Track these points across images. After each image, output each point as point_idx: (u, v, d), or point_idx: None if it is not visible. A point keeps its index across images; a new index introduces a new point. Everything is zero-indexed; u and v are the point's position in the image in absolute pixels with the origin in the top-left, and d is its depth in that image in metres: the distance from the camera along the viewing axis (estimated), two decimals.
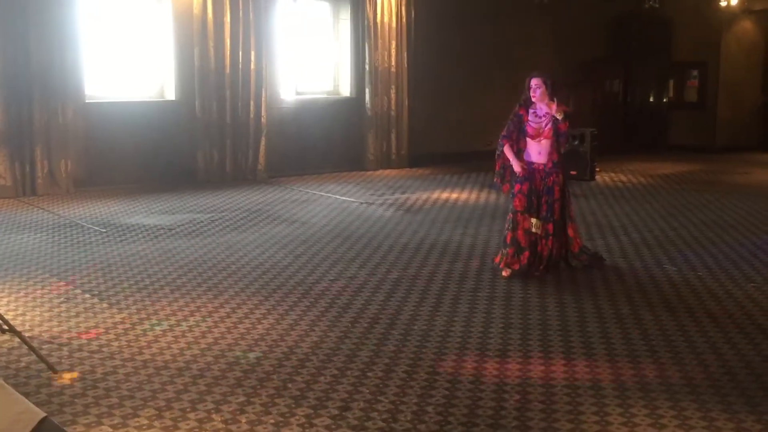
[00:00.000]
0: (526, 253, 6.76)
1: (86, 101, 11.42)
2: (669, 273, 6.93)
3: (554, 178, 6.84)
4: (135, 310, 5.81)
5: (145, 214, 9.68)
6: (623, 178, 13.04)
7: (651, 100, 17.50)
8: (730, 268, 7.06)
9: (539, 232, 6.82)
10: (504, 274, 6.77)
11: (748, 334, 5.29)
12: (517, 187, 6.85)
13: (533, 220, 6.81)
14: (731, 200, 10.73)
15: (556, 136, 6.81)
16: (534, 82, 6.78)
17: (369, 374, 4.60)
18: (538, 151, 6.83)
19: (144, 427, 3.90)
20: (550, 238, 6.86)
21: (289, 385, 4.43)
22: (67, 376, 4.52)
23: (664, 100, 17.48)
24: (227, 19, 12.18)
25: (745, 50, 16.87)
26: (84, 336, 5.21)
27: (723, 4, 15.13)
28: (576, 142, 12.59)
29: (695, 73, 16.99)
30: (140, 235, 8.43)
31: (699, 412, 4.07)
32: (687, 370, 4.64)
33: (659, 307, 5.91)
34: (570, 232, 7.00)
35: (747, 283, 6.57)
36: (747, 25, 16.76)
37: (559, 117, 6.68)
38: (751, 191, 11.57)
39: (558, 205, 6.87)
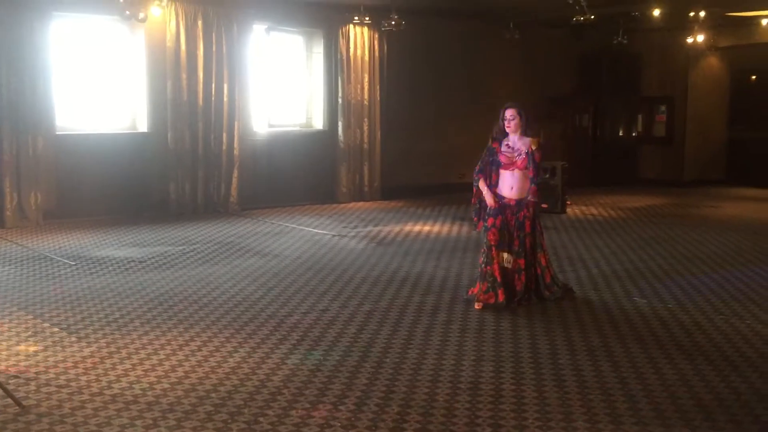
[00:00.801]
0: (502, 289, 6.78)
1: (57, 133, 11.35)
2: (639, 305, 6.98)
3: (525, 212, 6.89)
4: (104, 344, 5.75)
5: (115, 246, 9.60)
6: (593, 211, 13.16)
7: (620, 134, 17.72)
8: (699, 301, 7.13)
9: (511, 266, 6.86)
10: (477, 306, 6.78)
11: (717, 366, 5.33)
12: (490, 221, 6.89)
13: (505, 255, 6.85)
14: (700, 233, 10.86)
15: (533, 165, 6.83)
16: (509, 113, 6.84)
17: (341, 407, 4.57)
18: (510, 185, 6.88)
19: None
20: (523, 272, 6.89)
21: (261, 419, 4.39)
22: None
23: (633, 134, 17.72)
24: (200, 51, 12.21)
25: (711, 86, 17.16)
26: (52, 369, 5.15)
27: (689, 40, 15.41)
28: (547, 176, 12.69)
29: (663, 108, 17.24)
30: (111, 268, 8.36)
31: None
32: (657, 402, 4.67)
33: (629, 339, 5.95)
34: (542, 261, 7.05)
35: (716, 316, 6.64)
36: (713, 62, 17.07)
37: (534, 147, 6.76)
38: (719, 225, 11.72)
39: (529, 239, 6.91)
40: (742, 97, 17.57)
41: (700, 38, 15.33)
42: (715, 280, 8.02)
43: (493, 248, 6.83)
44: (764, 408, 4.59)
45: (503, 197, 6.91)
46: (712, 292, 7.46)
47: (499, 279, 6.79)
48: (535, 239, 6.96)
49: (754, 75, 17.91)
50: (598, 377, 5.09)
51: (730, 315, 6.67)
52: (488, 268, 6.82)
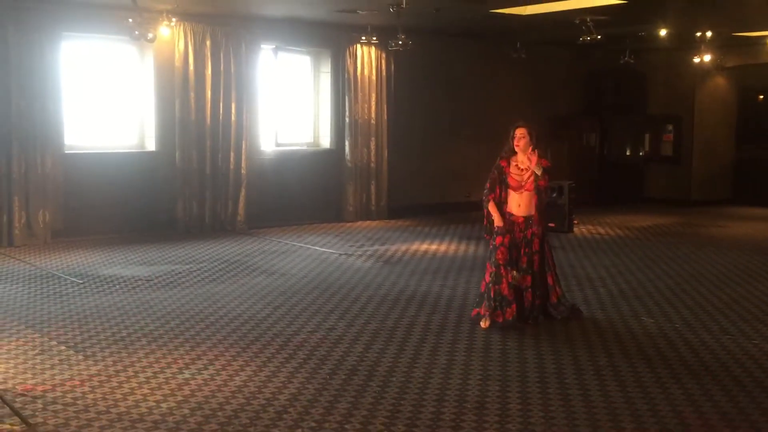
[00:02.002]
0: (513, 306, 6.77)
1: (66, 151, 11.41)
2: (646, 324, 6.96)
3: (533, 230, 6.90)
4: (111, 362, 5.76)
5: (123, 265, 9.63)
6: (600, 230, 13.15)
7: (627, 153, 17.71)
8: (707, 320, 7.11)
9: (518, 284, 6.86)
10: (483, 325, 6.77)
11: (725, 386, 5.31)
12: (498, 239, 6.89)
13: (513, 273, 6.84)
14: (707, 253, 10.84)
15: (537, 190, 6.90)
16: (519, 131, 6.88)
17: (347, 426, 4.57)
18: (518, 203, 6.91)
19: None
20: (529, 290, 6.90)
21: None
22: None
23: (640, 153, 17.71)
24: (208, 71, 12.28)
25: (718, 105, 17.17)
26: (59, 388, 5.16)
27: (696, 60, 15.44)
28: (554, 195, 12.70)
29: (670, 127, 17.24)
30: (118, 287, 8.38)
31: None
32: (664, 422, 4.65)
33: (636, 358, 5.93)
34: (549, 280, 7.05)
35: (723, 335, 6.62)
36: (720, 81, 17.09)
37: (539, 173, 6.78)
38: (726, 244, 11.69)
39: (537, 257, 6.92)
40: (749, 117, 17.56)
41: (707, 58, 15.34)
42: (722, 299, 8.00)
43: (502, 267, 6.83)
44: None
45: (511, 214, 6.92)
46: (720, 312, 7.44)
47: (509, 297, 6.78)
48: (543, 257, 6.96)
49: (761, 95, 17.90)
50: (605, 397, 5.08)
51: (738, 335, 6.64)
52: (496, 287, 6.81)
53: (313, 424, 4.59)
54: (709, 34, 14.00)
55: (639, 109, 17.48)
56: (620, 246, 11.49)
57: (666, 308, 7.58)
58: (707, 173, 17.05)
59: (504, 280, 6.80)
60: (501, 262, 6.84)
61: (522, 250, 6.89)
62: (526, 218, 6.90)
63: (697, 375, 5.55)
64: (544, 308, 7.02)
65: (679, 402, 4.99)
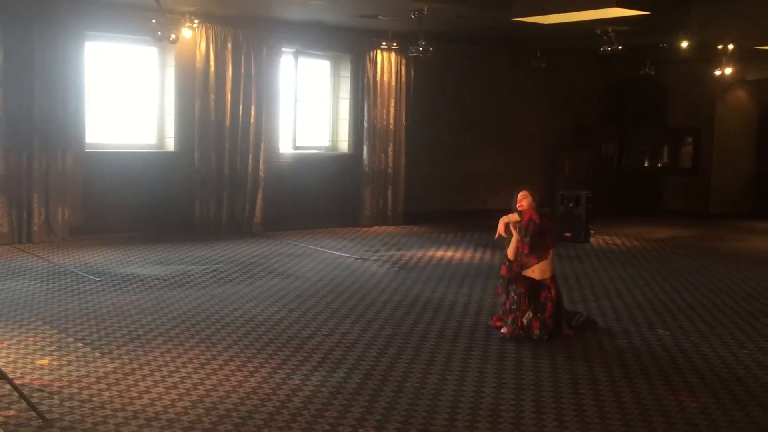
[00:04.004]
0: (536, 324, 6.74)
1: (86, 150, 11.50)
2: (662, 337, 6.94)
3: (546, 293, 6.86)
4: (127, 360, 5.79)
5: (140, 263, 9.68)
6: (617, 241, 13.10)
7: (646, 164, 17.66)
8: (724, 334, 7.08)
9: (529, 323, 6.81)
10: (504, 331, 6.75)
11: (741, 401, 5.29)
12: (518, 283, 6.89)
13: (528, 313, 6.79)
14: (725, 266, 10.78)
15: (539, 242, 6.87)
16: (521, 194, 7.03)
17: (360, 431, 4.58)
18: (533, 270, 6.92)
19: None
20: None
21: None
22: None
23: (659, 165, 17.64)
24: (229, 73, 12.35)
25: (738, 119, 17.08)
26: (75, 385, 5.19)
27: (717, 73, 15.37)
28: (571, 204, 12.68)
29: (690, 139, 17.18)
30: (135, 285, 8.43)
31: None
32: None
33: (652, 371, 5.91)
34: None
35: (740, 350, 6.58)
36: (741, 95, 17.01)
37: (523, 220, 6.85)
38: (745, 258, 11.63)
39: (550, 304, 6.86)
40: None
41: (728, 71, 15.27)
42: (739, 313, 7.95)
43: (524, 296, 6.79)
44: None
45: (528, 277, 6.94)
46: (736, 326, 7.40)
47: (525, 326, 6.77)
48: (556, 310, 6.91)
49: None
50: (620, 408, 5.06)
51: (755, 350, 6.60)
52: (515, 315, 6.76)
53: (327, 428, 4.60)
54: (730, 46, 13.94)
55: (659, 120, 17.42)
56: (637, 257, 11.45)
57: (682, 321, 7.54)
58: (726, 186, 16.96)
59: (522, 311, 6.76)
60: (522, 290, 6.81)
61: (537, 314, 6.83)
62: (541, 281, 6.92)
63: (712, 389, 5.52)
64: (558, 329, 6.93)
65: (693, 416, 4.97)
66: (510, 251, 7.00)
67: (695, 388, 5.54)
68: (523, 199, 7.02)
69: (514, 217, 6.99)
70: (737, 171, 17.11)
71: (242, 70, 12.47)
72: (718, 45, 13.87)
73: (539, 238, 6.89)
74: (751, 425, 4.84)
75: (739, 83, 16.49)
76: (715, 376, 5.84)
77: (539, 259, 6.90)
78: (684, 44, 13.38)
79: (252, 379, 5.45)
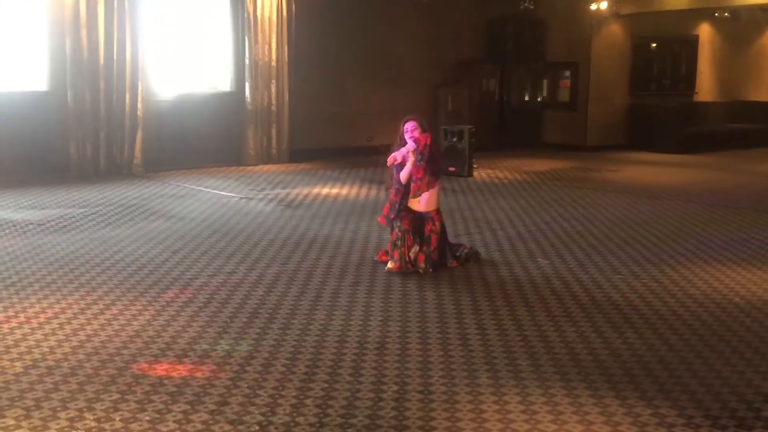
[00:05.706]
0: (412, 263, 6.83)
1: None
2: (542, 266, 7.16)
3: (431, 226, 6.92)
4: (2, 308, 5.57)
5: (13, 208, 9.28)
6: (499, 174, 13.38)
7: (526, 99, 18.00)
8: (599, 261, 7.35)
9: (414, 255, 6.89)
10: (390, 266, 6.82)
11: (615, 324, 5.52)
12: (403, 214, 6.90)
13: (415, 247, 6.87)
14: (602, 196, 11.17)
15: (432, 167, 6.91)
16: (410, 125, 6.97)
17: (248, 368, 4.56)
18: (417, 200, 6.94)
19: (11, 428, 3.76)
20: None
21: (165, 381, 4.35)
22: None
23: (539, 99, 18.02)
24: (101, 7, 11.82)
25: (613, 53, 17.54)
26: None
27: (593, 7, 15.69)
28: (455, 139, 12.82)
29: (567, 73, 17.57)
30: (7, 231, 8.09)
31: (568, 398, 4.23)
32: (558, 359, 4.81)
33: (532, 299, 6.10)
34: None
35: (614, 275, 6.86)
36: (615, 29, 17.45)
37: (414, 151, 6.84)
38: (619, 187, 12.07)
39: (435, 237, 6.94)
40: (643, 64, 18.05)
41: (604, 5, 15.63)
42: (614, 240, 8.27)
43: (408, 233, 6.84)
44: (659, 364, 4.78)
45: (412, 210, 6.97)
46: (611, 253, 7.70)
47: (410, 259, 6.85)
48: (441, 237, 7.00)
49: (654, 42, 18.39)
50: (502, 336, 5.22)
51: (628, 274, 6.90)
52: (401, 251, 6.82)
53: (214, 367, 4.56)
54: None
55: (538, 55, 17.71)
56: (518, 189, 11.72)
57: (561, 250, 7.80)
58: (602, 119, 17.49)
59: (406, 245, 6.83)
60: (407, 227, 6.86)
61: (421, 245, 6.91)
62: (425, 212, 6.97)
63: (589, 314, 5.75)
64: (443, 261, 7.04)
65: (572, 339, 5.17)
66: (403, 175, 6.96)
67: (573, 313, 5.75)
68: (414, 130, 6.96)
69: (409, 149, 6.92)
70: (613, 104, 17.65)
71: (115, 5, 11.95)
72: None
73: (433, 162, 6.94)
74: (624, 346, 5.07)
75: (614, 17, 16.91)
76: (592, 301, 6.08)
77: (429, 186, 6.92)
78: None
79: (135, 323, 5.34)
